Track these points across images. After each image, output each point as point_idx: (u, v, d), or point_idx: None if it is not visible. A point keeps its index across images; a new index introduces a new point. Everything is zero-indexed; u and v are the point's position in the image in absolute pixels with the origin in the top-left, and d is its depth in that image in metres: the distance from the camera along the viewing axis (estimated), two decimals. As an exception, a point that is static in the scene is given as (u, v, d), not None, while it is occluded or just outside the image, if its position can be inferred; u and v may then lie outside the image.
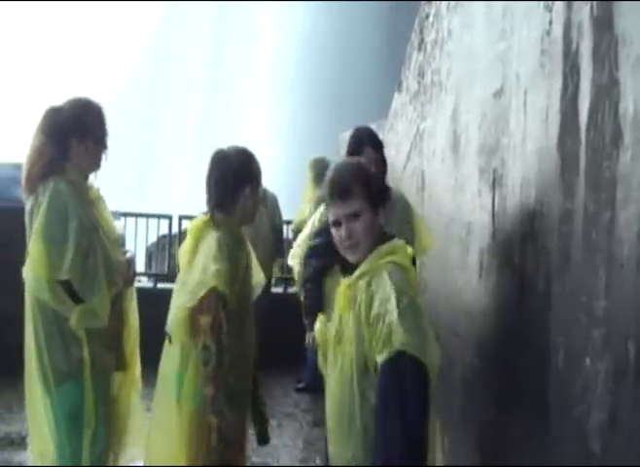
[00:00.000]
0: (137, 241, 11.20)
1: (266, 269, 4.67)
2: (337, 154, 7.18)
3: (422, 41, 6.13)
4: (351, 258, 3.27)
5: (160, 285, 11.06)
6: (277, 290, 10.79)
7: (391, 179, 5.90)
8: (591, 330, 3.18)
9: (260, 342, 4.39)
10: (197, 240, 4.29)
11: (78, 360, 4.47)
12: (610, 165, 3.10)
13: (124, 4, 29.75)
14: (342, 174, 3.29)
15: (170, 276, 11.33)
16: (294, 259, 5.66)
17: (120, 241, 4.95)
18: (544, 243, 3.75)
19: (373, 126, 7.11)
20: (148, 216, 11.85)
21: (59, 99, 4.67)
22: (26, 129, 4.80)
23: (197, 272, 4.12)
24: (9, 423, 7.26)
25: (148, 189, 27.00)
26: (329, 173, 3.33)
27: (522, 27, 4.13)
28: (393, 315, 3.02)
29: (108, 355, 4.59)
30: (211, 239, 4.19)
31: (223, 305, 4.00)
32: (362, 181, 3.25)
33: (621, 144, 3.01)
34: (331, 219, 3.28)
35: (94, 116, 4.66)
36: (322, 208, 5.18)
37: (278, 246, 9.63)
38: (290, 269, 6.97)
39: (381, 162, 4.99)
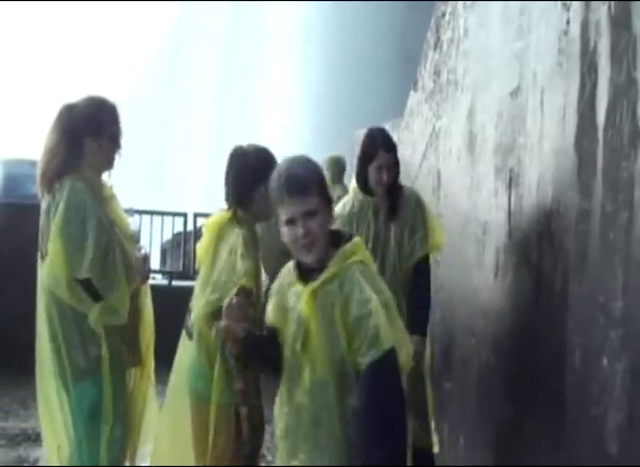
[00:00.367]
0: (152, 239, 11.23)
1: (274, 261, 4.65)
2: (353, 152, 7.17)
3: (438, 39, 6.11)
4: (306, 258, 3.12)
5: (175, 283, 11.08)
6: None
7: (406, 178, 5.90)
8: (609, 330, 3.17)
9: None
10: (218, 237, 4.30)
11: (96, 357, 4.48)
12: (628, 165, 3.08)
13: (139, 4, 29.82)
14: (300, 171, 3.13)
15: (185, 274, 11.35)
16: None
17: (134, 238, 4.95)
18: (561, 243, 3.74)
19: (389, 125, 7.10)
20: (163, 214, 11.88)
21: (74, 97, 4.68)
22: (41, 127, 4.81)
23: (224, 270, 4.14)
24: (24, 420, 7.29)
25: (163, 187, 27.07)
26: (281, 169, 3.16)
27: (540, 26, 4.11)
28: (379, 317, 2.99)
29: (126, 352, 4.60)
30: (236, 237, 4.21)
31: (250, 303, 4.02)
32: (318, 178, 3.14)
33: (639, 144, 3.00)
34: (285, 217, 3.09)
35: (109, 114, 4.66)
36: (340, 205, 5.17)
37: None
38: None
39: (394, 164, 5.00)
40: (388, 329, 2.99)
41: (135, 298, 4.69)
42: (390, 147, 5.01)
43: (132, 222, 4.94)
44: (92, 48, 30.74)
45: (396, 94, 10.21)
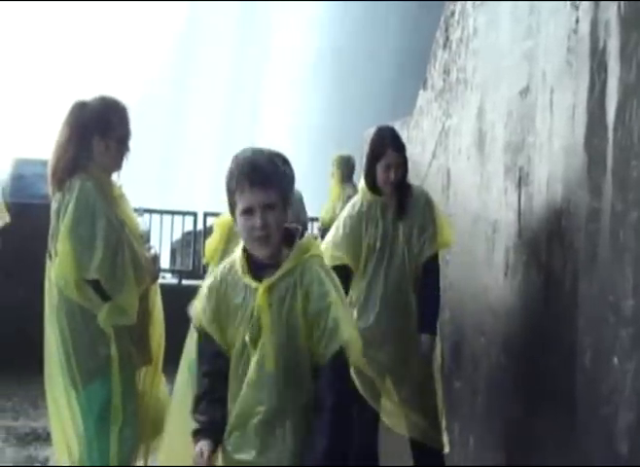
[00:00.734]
0: (162, 238, 11.25)
1: None
2: (362, 151, 7.17)
3: (447, 39, 6.10)
4: (259, 251, 3.09)
5: (185, 282, 11.09)
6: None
7: (416, 177, 5.89)
8: (619, 329, 3.16)
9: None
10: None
11: (105, 357, 4.48)
12: (637, 164, 3.08)
13: (149, 4, 29.85)
14: (264, 162, 3.08)
15: (195, 273, 11.37)
16: None
17: (144, 238, 4.96)
18: (571, 242, 3.74)
19: (398, 124, 7.09)
20: (173, 213, 11.89)
21: (86, 97, 4.69)
22: (53, 127, 4.81)
23: None
24: (34, 419, 7.31)
25: (172, 186, 27.10)
26: (244, 156, 3.11)
27: (549, 25, 4.11)
28: (338, 309, 3.04)
29: (135, 352, 4.61)
30: None
31: None
32: (281, 172, 3.10)
33: (649, 143, 2.99)
34: (243, 206, 3.05)
35: (118, 115, 4.66)
36: (349, 206, 5.17)
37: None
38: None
39: (402, 163, 4.99)
40: (346, 323, 3.06)
41: (145, 297, 4.70)
42: (398, 146, 5.01)
43: (142, 221, 4.95)
44: (104, 47, 30.79)
45: (406, 93, 10.20)
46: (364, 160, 5.33)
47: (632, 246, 3.10)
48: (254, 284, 3.09)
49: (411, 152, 5.33)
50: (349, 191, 8.82)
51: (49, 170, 4.59)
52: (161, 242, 10.89)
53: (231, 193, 3.10)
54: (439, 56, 6.29)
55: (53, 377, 4.59)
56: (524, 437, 4.28)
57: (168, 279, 11.51)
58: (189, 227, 12.22)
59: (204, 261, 4.59)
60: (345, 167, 9.34)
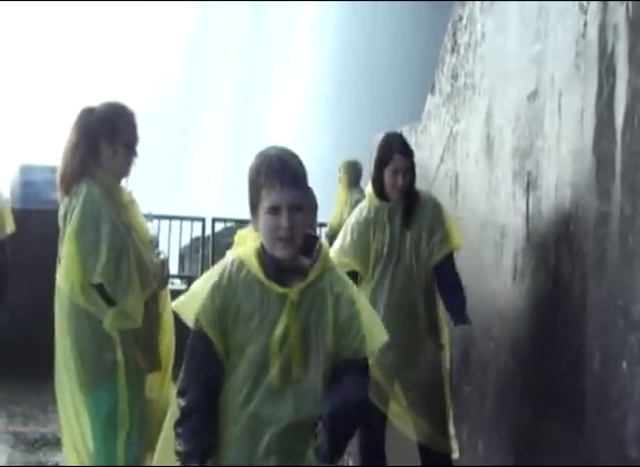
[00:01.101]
0: (171, 244, 11.26)
1: None
2: (371, 155, 7.17)
3: (455, 43, 6.11)
4: (281, 252, 2.96)
5: (194, 287, 11.07)
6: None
7: (424, 181, 5.89)
8: (628, 334, 3.16)
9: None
10: None
11: (111, 362, 4.49)
12: (646, 168, 3.07)
13: (159, 6, 29.89)
14: (295, 162, 3.01)
15: (203, 279, 11.32)
16: None
17: (153, 243, 4.97)
18: (579, 246, 3.73)
19: (406, 129, 7.09)
20: (181, 218, 11.90)
21: (95, 103, 4.70)
22: (61, 133, 4.83)
23: None
24: (44, 425, 7.32)
25: (181, 191, 27.10)
26: (272, 154, 3.01)
27: (557, 29, 4.11)
28: (366, 316, 3.03)
29: (141, 357, 4.61)
30: None
31: None
32: (307, 177, 3.03)
33: (657, 147, 2.99)
34: (270, 204, 2.94)
35: (126, 121, 4.67)
36: (357, 211, 5.17)
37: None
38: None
39: (409, 169, 4.99)
40: (377, 329, 3.04)
41: (155, 303, 4.70)
42: (406, 151, 5.01)
43: (151, 227, 4.95)
44: (113, 50, 30.84)
45: (415, 97, 10.20)
46: (372, 165, 5.33)
47: (641, 250, 3.09)
48: (280, 289, 2.98)
49: (420, 157, 5.33)
50: (356, 196, 8.82)
51: (58, 173, 4.61)
52: (170, 248, 10.89)
53: (256, 189, 3.00)
54: (447, 61, 6.30)
55: (63, 382, 4.60)
56: (533, 441, 4.27)
57: (177, 285, 11.51)
58: (197, 232, 12.23)
59: None
60: (352, 172, 9.34)
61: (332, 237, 7.81)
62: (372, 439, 4.99)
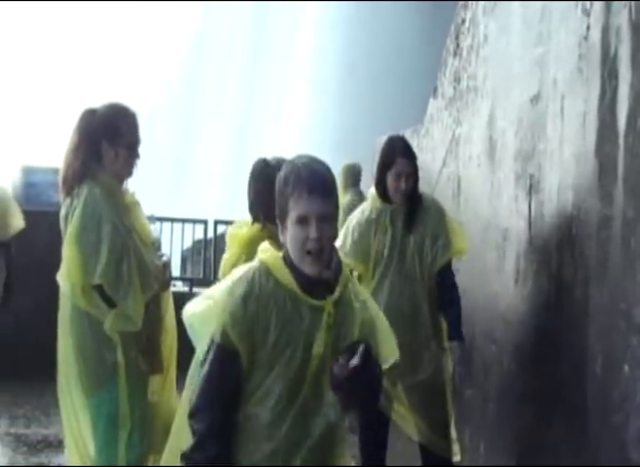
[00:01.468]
0: (173, 246, 11.26)
1: None
2: (373, 157, 7.17)
3: (458, 46, 6.11)
4: (310, 268, 2.80)
5: (196, 289, 11.09)
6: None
7: (426, 184, 5.89)
8: (630, 337, 3.15)
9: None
10: (249, 252, 4.30)
11: (112, 364, 4.49)
12: (649, 171, 3.07)
13: (163, 6, 29.90)
14: (324, 170, 2.86)
15: (206, 281, 11.37)
16: None
17: (155, 245, 4.96)
18: (582, 249, 3.73)
19: (409, 132, 7.10)
20: (183, 221, 11.90)
21: (97, 105, 4.70)
22: (63, 135, 4.83)
23: None
24: (46, 426, 7.31)
25: (183, 193, 27.11)
26: (301, 163, 2.87)
27: (560, 32, 4.11)
28: (381, 321, 2.99)
29: (143, 359, 4.61)
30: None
31: None
32: (336, 186, 2.90)
33: (660, 150, 2.99)
34: (298, 214, 2.78)
35: (127, 122, 4.67)
36: (358, 212, 5.17)
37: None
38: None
39: (413, 172, 4.99)
40: (390, 335, 3.01)
41: (157, 305, 4.70)
42: (409, 155, 5.01)
43: (153, 229, 4.95)
44: (116, 51, 30.85)
45: (417, 100, 10.20)
46: (374, 168, 5.33)
47: (644, 253, 3.09)
48: (315, 301, 2.81)
49: (422, 160, 5.33)
50: (350, 197, 8.84)
51: (60, 174, 4.62)
52: (172, 250, 10.89)
53: (283, 199, 2.83)
54: (449, 64, 6.30)
55: (64, 383, 4.60)
56: (535, 444, 4.27)
57: (179, 287, 11.51)
58: (199, 234, 12.23)
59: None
60: (349, 175, 9.36)
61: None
62: (374, 436, 4.99)
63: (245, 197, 4.56)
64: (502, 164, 4.98)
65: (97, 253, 4.42)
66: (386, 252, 4.99)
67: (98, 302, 4.47)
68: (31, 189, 11.59)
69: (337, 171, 9.65)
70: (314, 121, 27.55)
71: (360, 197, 8.23)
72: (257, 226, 4.39)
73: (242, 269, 2.90)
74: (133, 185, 4.80)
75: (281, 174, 2.88)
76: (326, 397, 2.80)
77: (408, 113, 11.02)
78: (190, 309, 2.94)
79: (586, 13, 3.76)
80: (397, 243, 4.99)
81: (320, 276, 2.81)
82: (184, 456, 2.80)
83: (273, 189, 4.29)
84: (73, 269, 4.46)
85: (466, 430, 5.32)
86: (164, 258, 4.88)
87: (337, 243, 5.15)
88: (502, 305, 4.85)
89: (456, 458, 5.06)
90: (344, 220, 5.24)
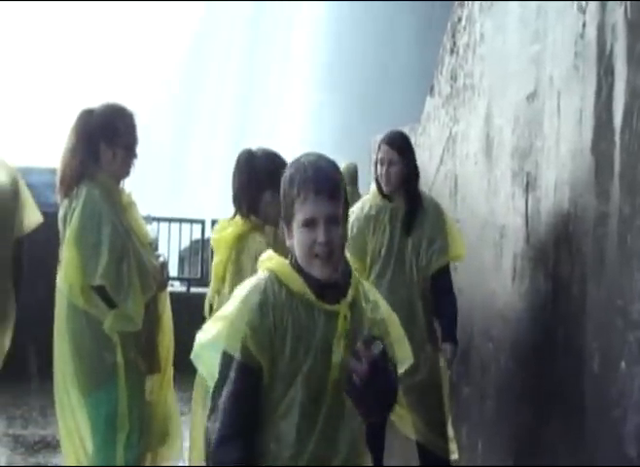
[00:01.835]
0: (170, 246, 11.27)
1: None
2: (369, 157, 7.17)
3: (454, 44, 6.11)
4: (320, 270, 2.65)
5: (194, 289, 11.10)
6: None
7: (424, 183, 5.89)
8: (627, 334, 3.16)
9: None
10: (238, 248, 4.30)
11: (111, 364, 4.49)
12: (645, 168, 3.08)
13: (162, 6, 29.90)
14: (331, 170, 2.71)
15: (203, 281, 11.38)
16: None
17: (152, 246, 4.96)
18: (578, 247, 3.73)
19: (406, 130, 7.08)
20: (181, 221, 11.91)
21: (94, 105, 4.70)
22: (61, 135, 4.83)
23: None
24: (43, 427, 7.31)
25: (181, 193, 27.13)
26: (307, 161, 2.71)
27: (556, 29, 4.11)
28: (395, 322, 2.89)
29: (141, 359, 4.61)
30: (258, 244, 4.22)
31: None
32: (344, 186, 2.74)
33: (656, 146, 2.99)
34: (304, 217, 2.63)
35: (125, 122, 4.66)
36: (358, 208, 5.16)
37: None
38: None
39: (398, 162, 4.96)
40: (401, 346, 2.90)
41: (154, 305, 4.70)
42: (392, 143, 4.99)
43: (151, 229, 4.95)
44: (114, 53, 30.85)
45: (414, 99, 10.21)
46: (371, 167, 5.34)
47: (640, 250, 3.09)
48: (329, 306, 2.67)
49: (419, 158, 5.33)
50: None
51: (57, 175, 4.61)
52: (170, 250, 10.89)
53: (288, 201, 2.69)
54: (446, 62, 6.30)
55: (61, 383, 4.59)
56: (533, 441, 4.27)
57: (177, 287, 11.52)
58: (197, 235, 12.24)
59: (211, 294, 4.50)
60: (346, 175, 9.26)
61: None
62: (371, 433, 4.98)
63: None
64: (499, 162, 4.98)
65: (98, 254, 4.42)
66: (384, 251, 4.98)
67: (97, 302, 4.47)
68: (28, 190, 11.57)
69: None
70: (312, 120, 27.57)
71: (357, 197, 8.23)
72: (240, 220, 4.38)
73: (250, 282, 2.75)
74: (131, 185, 4.79)
75: (286, 174, 2.73)
76: (348, 407, 2.65)
77: (406, 111, 11.03)
78: (201, 339, 2.72)
79: (582, 10, 3.76)
80: (395, 243, 4.98)
81: (330, 280, 2.68)
82: None
83: (258, 180, 4.26)
84: (72, 270, 4.45)
85: (463, 428, 5.32)
86: (161, 258, 4.87)
87: None
88: (499, 303, 4.85)
89: (454, 457, 5.06)
90: None
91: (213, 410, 2.63)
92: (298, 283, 2.68)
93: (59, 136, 4.92)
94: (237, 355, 2.59)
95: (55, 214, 4.66)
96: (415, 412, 4.98)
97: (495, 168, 5.05)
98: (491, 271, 5.02)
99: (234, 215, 4.43)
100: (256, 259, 4.21)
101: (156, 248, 5.03)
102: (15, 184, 4.74)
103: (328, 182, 2.66)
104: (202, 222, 11.89)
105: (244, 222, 4.35)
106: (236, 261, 4.30)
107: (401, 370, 2.86)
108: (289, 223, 2.70)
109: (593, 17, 3.62)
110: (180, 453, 4.94)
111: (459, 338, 5.01)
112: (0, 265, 4.64)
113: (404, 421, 5.06)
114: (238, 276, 4.27)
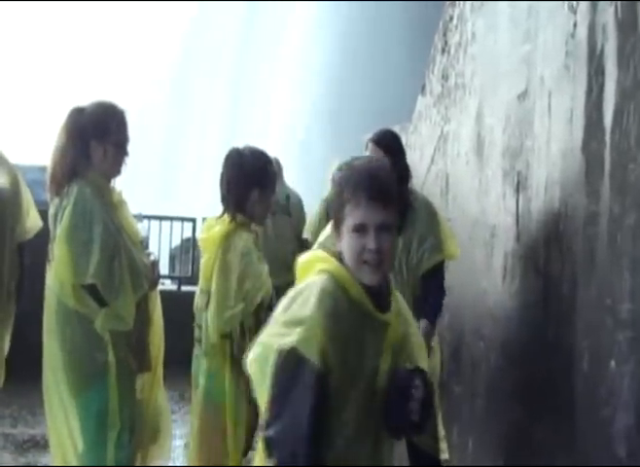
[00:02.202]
0: (161, 244, 11.24)
1: (279, 278, 4.53)
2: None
3: (446, 44, 6.12)
4: (369, 277, 2.62)
5: (184, 288, 11.08)
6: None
7: (414, 182, 5.89)
8: (617, 333, 3.16)
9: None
10: (225, 246, 4.31)
11: (103, 363, 4.48)
12: (635, 168, 3.08)
13: (153, 6, 29.87)
14: (385, 175, 2.69)
15: (194, 279, 11.34)
16: None
17: (143, 244, 4.96)
18: (568, 246, 3.74)
19: (397, 129, 7.09)
20: (171, 219, 11.88)
21: (85, 103, 4.69)
22: (51, 133, 4.81)
23: (247, 277, 4.18)
24: (33, 426, 7.29)
25: (172, 192, 27.09)
26: (360, 166, 2.69)
27: (547, 29, 4.11)
28: (417, 331, 2.92)
29: (132, 358, 4.60)
30: (245, 241, 4.23)
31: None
32: (396, 192, 2.71)
33: (646, 146, 3.00)
34: (355, 222, 2.61)
35: (116, 120, 4.64)
36: None
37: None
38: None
39: (398, 166, 4.96)
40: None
41: (145, 303, 4.69)
42: (379, 140, 4.98)
43: (141, 227, 4.94)
44: (106, 51, 30.81)
45: (405, 98, 10.22)
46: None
47: (630, 250, 3.10)
48: (382, 316, 2.65)
49: (410, 157, 5.34)
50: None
51: (48, 173, 4.59)
52: (160, 248, 10.87)
53: (340, 203, 2.66)
54: (437, 62, 6.31)
55: (50, 382, 4.58)
56: (523, 440, 4.28)
57: (168, 285, 11.49)
58: (187, 233, 12.22)
59: (200, 292, 4.53)
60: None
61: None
62: None
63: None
64: (490, 161, 4.99)
65: (89, 253, 4.41)
66: (374, 249, 4.97)
67: (88, 301, 4.46)
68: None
69: (327, 170, 9.65)
70: (303, 120, 27.56)
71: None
72: (227, 219, 4.39)
73: (315, 284, 2.63)
74: (123, 183, 4.78)
75: (339, 176, 2.71)
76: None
77: (397, 110, 11.03)
78: (277, 343, 2.56)
79: (573, 10, 3.77)
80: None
81: (376, 286, 2.65)
82: None
83: (246, 179, 4.29)
84: (63, 268, 4.44)
85: (454, 427, 5.33)
86: (152, 257, 4.87)
87: (321, 238, 5.13)
88: (490, 302, 4.86)
89: (444, 456, 5.06)
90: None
91: (278, 416, 2.51)
92: (357, 290, 2.63)
93: (50, 134, 4.91)
94: (315, 359, 2.49)
95: (45, 212, 4.65)
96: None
97: (486, 168, 5.06)
98: (482, 270, 5.02)
99: (222, 214, 4.45)
100: (242, 256, 4.24)
101: (146, 246, 5.02)
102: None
103: (381, 188, 2.64)
104: (193, 220, 11.86)
105: (231, 220, 4.36)
106: (223, 259, 4.32)
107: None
108: (339, 225, 2.68)
109: (584, 17, 3.63)
110: (170, 452, 4.93)
111: (450, 337, 5.01)
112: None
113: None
114: (225, 274, 4.29)
